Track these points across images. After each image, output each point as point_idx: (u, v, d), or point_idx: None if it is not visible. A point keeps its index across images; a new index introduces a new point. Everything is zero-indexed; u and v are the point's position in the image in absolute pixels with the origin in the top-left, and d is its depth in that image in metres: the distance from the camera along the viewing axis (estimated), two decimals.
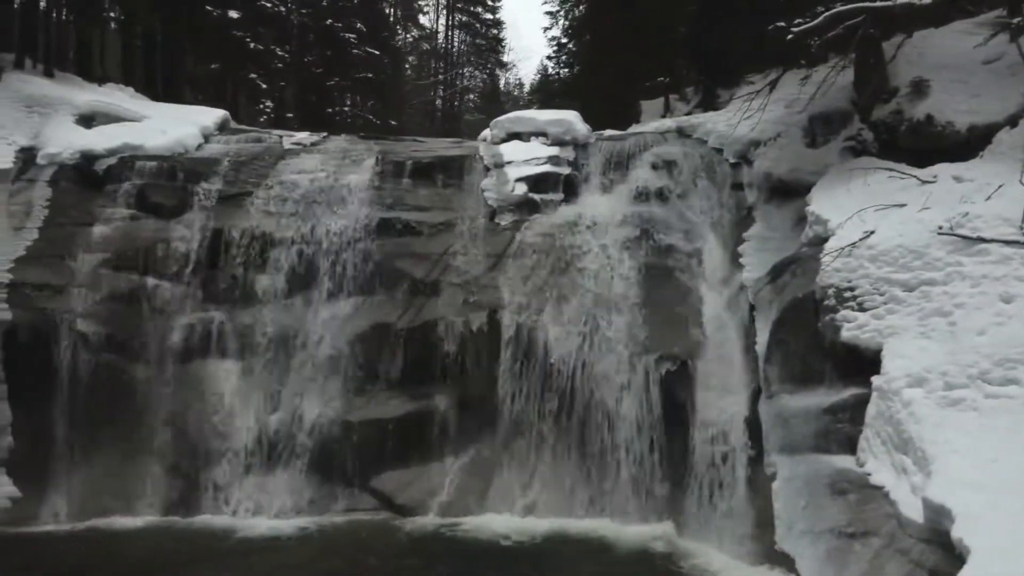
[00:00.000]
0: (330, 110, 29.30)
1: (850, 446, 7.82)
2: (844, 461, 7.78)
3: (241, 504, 9.87)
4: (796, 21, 10.16)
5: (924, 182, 9.27)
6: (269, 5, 22.84)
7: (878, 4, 9.74)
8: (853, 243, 8.58)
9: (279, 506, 9.87)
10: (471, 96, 50.92)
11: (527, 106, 60.06)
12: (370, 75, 30.70)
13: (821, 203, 10.02)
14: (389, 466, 10.31)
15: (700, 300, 10.86)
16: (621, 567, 8.35)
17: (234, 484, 10.02)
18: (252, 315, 11.29)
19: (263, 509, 9.84)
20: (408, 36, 46.00)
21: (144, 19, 20.51)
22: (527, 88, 60.75)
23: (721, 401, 9.58)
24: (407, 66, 37.83)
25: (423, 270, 11.77)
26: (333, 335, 11.08)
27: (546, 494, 9.99)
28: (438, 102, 47.20)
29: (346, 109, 29.53)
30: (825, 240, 9.45)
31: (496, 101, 51.04)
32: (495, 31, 49.41)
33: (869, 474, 7.28)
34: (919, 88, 10.67)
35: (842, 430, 8.04)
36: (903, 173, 9.55)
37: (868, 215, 8.90)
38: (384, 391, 10.80)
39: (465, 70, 49.80)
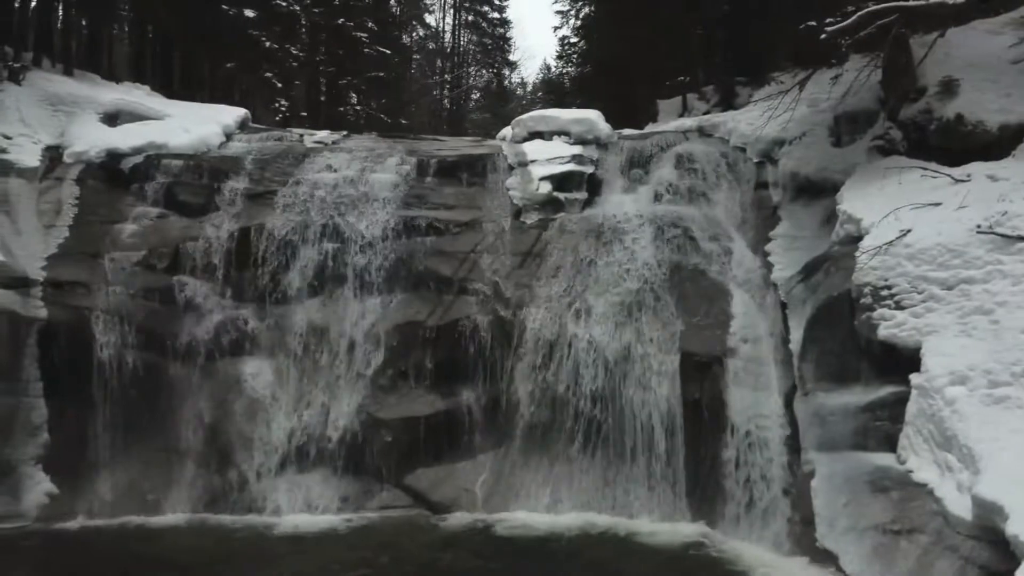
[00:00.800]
0: (341, 109, 29.33)
1: (889, 444, 7.86)
2: (884, 459, 7.81)
3: (276, 501, 9.90)
4: (828, 20, 10.16)
5: (958, 181, 9.29)
6: (284, 4, 22.81)
7: (911, 3, 9.76)
8: (889, 241, 8.60)
9: (314, 503, 9.91)
10: (475, 95, 50.90)
11: (530, 105, 60.29)
12: (381, 74, 30.73)
13: (853, 202, 10.04)
14: (421, 463, 10.34)
15: (730, 298, 10.87)
16: (659, 564, 8.37)
17: (268, 481, 10.06)
18: (281, 313, 11.32)
19: (298, 506, 9.87)
20: (414, 35, 45.97)
21: (161, 18, 20.52)
22: (530, 87, 61.11)
23: (755, 399, 9.61)
24: (412, 64, 37.78)
25: (450, 268, 11.80)
26: (363, 333, 11.11)
27: (577, 491, 10.02)
28: (445, 102, 47.20)
29: (358, 108, 29.53)
30: (858, 239, 9.48)
31: (503, 100, 51.10)
32: (501, 30, 49.45)
33: (911, 471, 7.32)
34: (949, 87, 10.69)
35: (881, 428, 8.08)
36: (936, 172, 9.57)
37: (903, 214, 8.92)
38: (414, 389, 10.83)
39: (471, 69, 49.80)
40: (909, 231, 8.63)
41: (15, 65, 14.03)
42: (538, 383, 10.73)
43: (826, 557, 7.72)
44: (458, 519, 9.63)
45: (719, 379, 9.97)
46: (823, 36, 9.53)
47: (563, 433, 10.42)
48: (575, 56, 34.35)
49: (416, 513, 9.81)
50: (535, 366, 10.81)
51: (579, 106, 31.20)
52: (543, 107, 60.11)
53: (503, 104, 51.54)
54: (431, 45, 49.32)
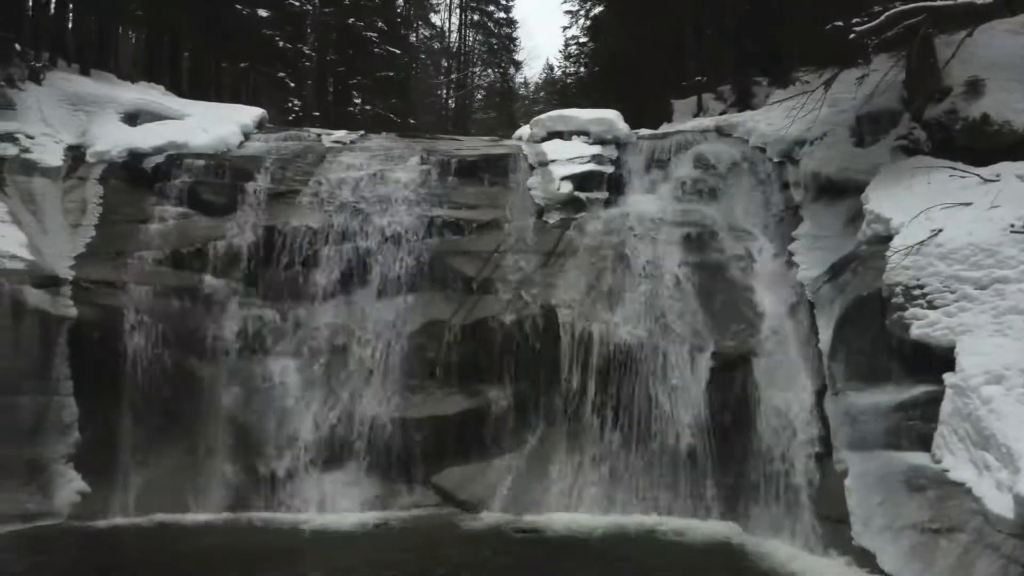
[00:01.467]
0: (351, 108, 29.36)
1: (922, 443, 7.88)
2: (918, 458, 7.83)
3: (305, 500, 9.94)
4: (854, 20, 10.19)
5: (987, 181, 9.31)
6: (297, 4, 22.84)
7: (939, 3, 9.78)
8: (921, 241, 8.63)
9: (343, 502, 9.94)
10: (480, 94, 50.93)
11: (533, 104, 60.35)
12: (390, 74, 30.77)
13: (880, 202, 10.06)
14: (449, 462, 10.37)
15: (755, 297, 10.92)
16: (692, 562, 8.40)
17: (297, 480, 10.09)
18: (306, 312, 11.35)
19: (327, 505, 9.91)
20: (419, 35, 45.98)
21: (174, 17, 20.55)
22: (532, 87, 61.16)
23: (784, 398, 9.64)
24: (414, 64, 37.73)
25: (474, 268, 11.83)
26: (388, 332, 11.13)
27: (605, 490, 10.05)
28: (450, 102, 47.23)
29: (367, 108, 29.55)
30: (886, 239, 9.51)
31: (508, 100, 51.16)
32: (508, 30, 49.49)
33: (947, 471, 7.33)
34: (975, 87, 10.71)
35: (914, 427, 8.10)
36: (965, 172, 9.60)
37: (934, 213, 8.94)
38: (441, 388, 10.85)
39: (476, 69, 49.83)
40: (940, 231, 8.65)
41: (36, 64, 14.03)
42: (564, 382, 10.76)
43: (861, 555, 7.76)
44: (487, 518, 9.65)
45: (747, 378, 10.02)
46: (852, 36, 9.55)
47: (590, 432, 10.46)
48: (583, 56, 34.40)
49: (446, 512, 9.83)
50: (560, 365, 10.83)
51: (588, 106, 31.40)
52: (546, 107, 60.38)
53: (508, 104, 51.66)
54: (436, 45, 49.37)
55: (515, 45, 50.16)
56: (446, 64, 48.91)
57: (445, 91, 47.89)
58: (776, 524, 8.94)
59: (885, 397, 8.52)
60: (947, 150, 10.84)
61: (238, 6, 20.98)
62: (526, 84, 57.70)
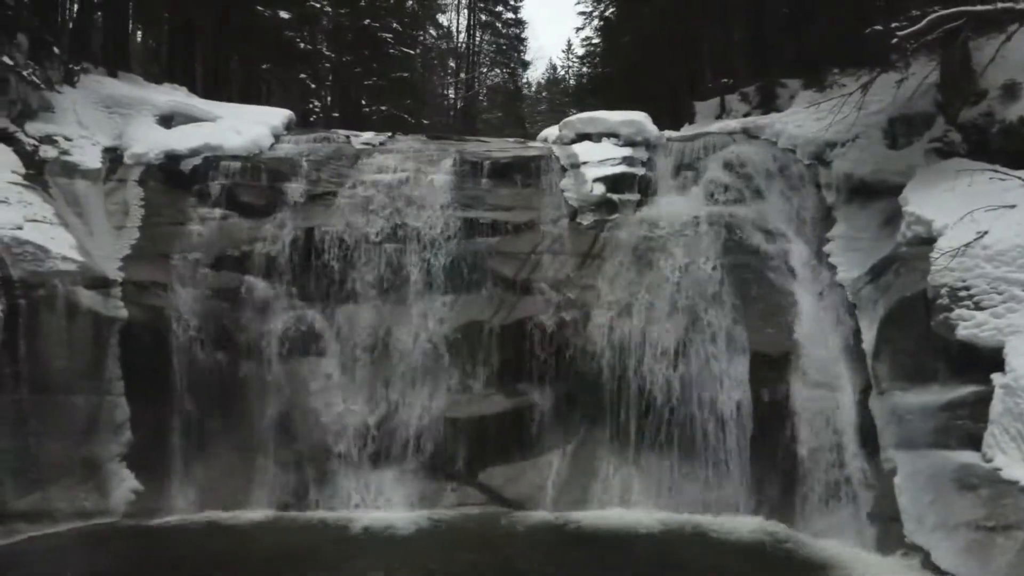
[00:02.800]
0: (367, 109, 29.48)
1: (971, 442, 8.01)
2: (967, 456, 7.96)
3: (352, 499, 10.07)
4: (893, 24, 10.31)
5: None
6: (318, 6, 22.96)
7: (979, 8, 9.90)
8: (967, 243, 8.75)
9: (390, 500, 10.08)
10: (484, 92, 50.98)
11: (536, 104, 60.46)
12: (405, 74, 30.89)
13: (920, 204, 10.17)
14: (492, 461, 10.50)
15: (793, 299, 11.02)
16: (741, 560, 8.51)
17: (344, 479, 10.21)
18: (347, 313, 11.47)
19: (375, 504, 10.04)
20: (428, 35, 46.04)
21: (197, 19, 20.67)
22: (534, 87, 61.28)
23: (828, 397, 9.75)
24: (424, 65, 37.76)
25: (512, 269, 11.95)
26: (429, 333, 11.26)
27: (648, 488, 10.18)
28: (458, 102, 47.33)
29: (382, 109, 29.66)
30: (928, 240, 9.64)
31: (516, 100, 51.30)
32: (516, 30, 49.58)
33: (999, 469, 7.47)
34: (1011, 90, 10.84)
35: (962, 426, 8.22)
36: (1005, 174, 9.71)
37: (978, 215, 9.06)
38: (482, 388, 10.98)
39: (484, 69, 49.92)
40: (986, 232, 8.77)
41: (72, 67, 14.14)
42: (604, 381, 10.88)
43: (915, 552, 7.88)
44: (533, 517, 9.78)
45: (789, 377, 10.12)
46: (894, 40, 9.67)
47: (631, 431, 10.58)
48: (596, 57, 34.50)
49: (492, 511, 9.95)
50: (600, 365, 10.95)
51: (600, 106, 31.56)
52: (549, 107, 60.26)
53: (515, 104, 51.79)
54: (444, 44, 49.46)
55: (523, 45, 50.36)
56: (454, 64, 49.01)
57: (453, 91, 47.99)
58: (826, 522, 9.05)
59: (932, 397, 8.64)
60: (983, 153, 10.97)
61: (259, 8, 21.08)
62: (528, 84, 57.91)
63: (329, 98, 27.05)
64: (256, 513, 9.74)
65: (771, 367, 10.26)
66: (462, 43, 48.13)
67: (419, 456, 10.44)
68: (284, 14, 21.47)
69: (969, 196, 9.61)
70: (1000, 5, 9.98)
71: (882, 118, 12.61)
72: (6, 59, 12.36)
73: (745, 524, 9.48)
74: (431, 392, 10.87)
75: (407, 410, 10.70)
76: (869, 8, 11.24)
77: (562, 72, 62.78)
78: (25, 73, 12.64)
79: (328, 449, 10.39)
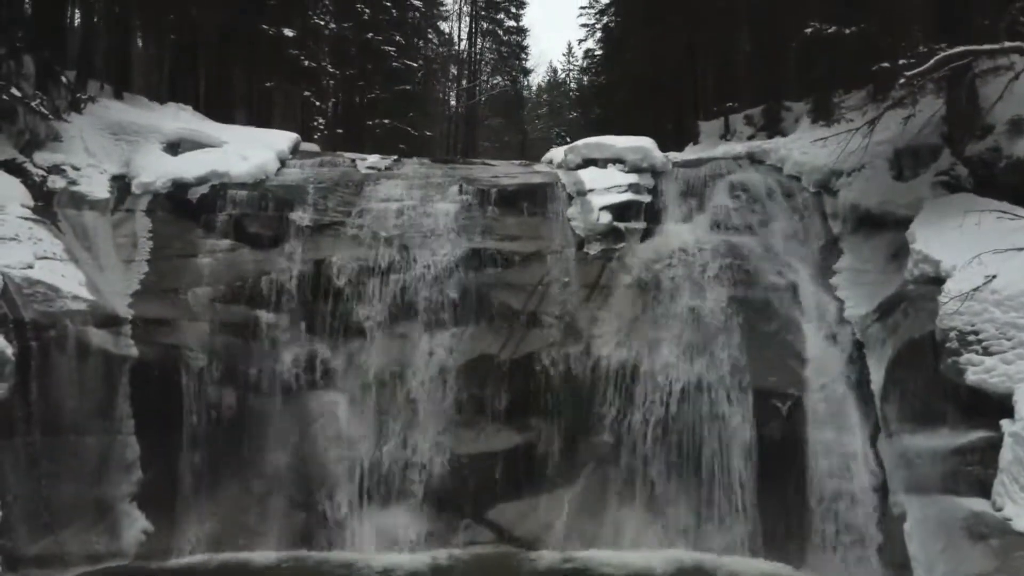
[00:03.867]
0: (370, 122, 29.51)
1: (981, 488, 8.04)
2: (977, 504, 7.98)
3: (362, 538, 10.10)
4: (901, 62, 10.34)
5: None
6: (321, 23, 22.99)
7: (985, 47, 9.93)
8: (976, 287, 8.78)
9: (400, 539, 10.11)
10: (485, 101, 51.01)
11: (536, 107, 60.56)
12: (408, 87, 30.92)
13: (928, 241, 10.20)
14: (502, 498, 10.54)
15: (801, 334, 11.05)
16: None
17: (353, 517, 10.25)
18: (355, 347, 11.49)
19: (384, 543, 10.07)
20: (429, 40, 46.02)
21: (201, 37, 20.70)
22: (535, 90, 61.32)
23: (835, 438, 9.80)
24: (421, 75, 37.65)
25: (520, 301, 11.97)
26: (437, 367, 11.28)
27: (658, 528, 10.22)
28: (460, 109, 47.34)
29: (385, 122, 29.70)
30: (935, 279, 9.68)
31: (518, 107, 51.38)
32: (518, 38, 49.62)
33: (1010, 519, 7.49)
34: (1018, 126, 10.89)
35: (972, 472, 8.26)
36: (1015, 215, 9.74)
37: (987, 258, 9.07)
38: (491, 423, 11.01)
39: (485, 76, 49.93)
40: (995, 276, 8.80)
41: (79, 96, 14.16)
42: (612, 418, 10.92)
43: None
44: (545, 556, 9.83)
45: (798, 417, 10.16)
46: (902, 81, 9.70)
47: (640, 468, 10.61)
48: (598, 66, 34.54)
49: (503, 551, 10.00)
50: (609, 401, 10.99)
51: (603, 114, 31.71)
52: (550, 110, 60.19)
53: (517, 111, 51.85)
54: (445, 51, 49.47)
55: (525, 53, 50.42)
56: (455, 71, 49.03)
57: (455, 99, 48.01)
58: (834, 566, 9.12)
59: (941, 441, 8.68)
60: (990, 187, 11.03)
61: (264, 26, 21.10)
62: (529, 87, 57.96)
63: (331, 112, 27.05)
64: (267, 554, 9.79)
65: (778, 406, 10.30)
66: (463, 50, 48.16)
67: (428, 494, 10.47)
68: (288, 31, 21.46)
69: (977, 236, 9.63)
70: (1007, 44, 10.01)
71: (888, 148, 12.64)
72: (14, 91, 12.37)
73: (752, 566, 9.53)
74: (440, 428, 10.89)
75: (416, 447, 10.73)
76: (876, 44, 11.24)
77: (563, 75, 63.02)
78: (33, 104, 12.66)
79: (338, 486, 10.42)
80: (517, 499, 10.54)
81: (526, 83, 54.93)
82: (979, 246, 9.37)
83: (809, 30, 11.74)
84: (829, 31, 11.21)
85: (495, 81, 49.95)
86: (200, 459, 10.29)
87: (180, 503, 9.99)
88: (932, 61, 9.89)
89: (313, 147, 21.93)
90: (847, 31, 10.92)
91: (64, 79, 13.93)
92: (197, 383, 10.52)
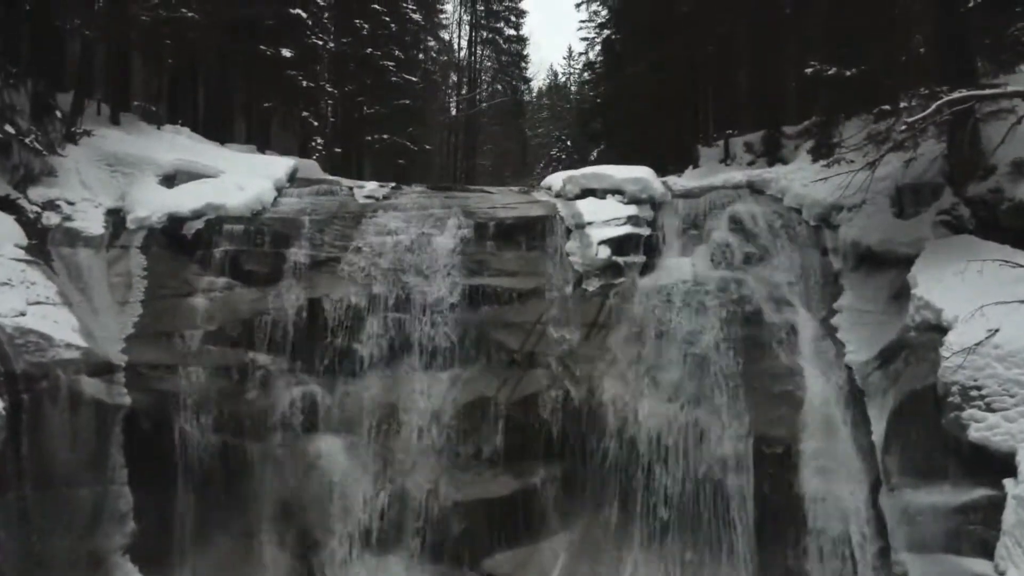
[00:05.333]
0: (369, 138, 29.43)
1: (984, 549, 7.96)
2: (980, 565, 7.92)
3: None
4: (902, 105, 10.24)
5: None
6: (320, 43, 22.88)
7: (987, 92, 9.84)
8: (978, 342, 8.67)
9: None
10: (485, 109, 50.93)
11: (537, 111, 60.42)
12: (407, 101, 30.82)
13: (929, 287, 10.09)
14: (500, 546, 10.43)
15: (801, 378, 10.92)
16: None
17: (350, 566, 10.15)
18: (352, 388, 11.40)
19: None
20: (428, 47, 45.89)
21: (202, 59, 20.65)
22: (535, 93, 61.25)
23: (835, 490, 9.69)
24: (420, 88, 37.42)
25: (518, 340, 11.87)
26: (434, 409, 11.18)
27: (656, 574, 10.09)
28: (460, 120, 47.26)
29: (384, 137, 29.61)
30: (936, 327, 9.59)
31: (519, 117, 51.30)
32: (518, 47, 49.56)
33: None
34: (1020, 168, 10.79)
35: (975, 532, 8.18)
36: (1016, 263, 9.61)
37: (989, 310, 8.95)
38: (489, 468, 10.90)
39: (486, 84, 49.85)
40: (997, 331, 8.70)
41: (75, 131, 14.05)
42: (609, 462, 10.81)
43: None
44: None
45: (796, 464, 10.04)
46: (903, 128, 9.61)
47: (638, 514, 10.50)
48: (595, 80, 34.40)
49: None
50: (608, 444, 10.89)
51: (600, 132, 31.62)
52: (550, 113, 60.07)
53: (517, 120, 51.77)
54: (445, 57, 49.39)
55: (525, 62, 50.38)
56: (455, 77, 48.94)
57: (455, 108, 47.91)
58: None
59: (943, 497, 8.59)
60: (992, 229, 10.93)
61: (262, 47, 21.01)
62: (530, 91, 57.85)
63: (330, 130, 26.96)
64: None
65: (778, 453, 10.19)
66: (463, 58, 48.08)
67: (425, 542, 10.36)
68: (286, 52, 21.36)
69: (979, 286, 9.49)
70: (1010, 89, 9.93)
71: (889, 184, 12.51)
72: (8, 128, 12.27)
73: None
74: (437, 473, 10.79)
75: (412, 492, 10.61)
76: (877, 85, 11.15)
77: (563, 79, 62.90)
78: (27, 140, 12.55)
79: (331, 534, 10.32)
80: (515, 545, 10.43)
81: (526, 90, 54.86)
82: (981, 294, 9.25)
83: (810, 70, 11.61)
84: (830, 72, 11.11)
85: (496, 88, 49.89)
86: (194, 507, 10.19)
87: (174, 553, 9.89)
88: (934, 106, 9.79)
89: (312, 165, 21.88)
90: (848, 73, 10.82)
91: (59, 113, 13.78)
92: (191, 430, 10.41)
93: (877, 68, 10.93)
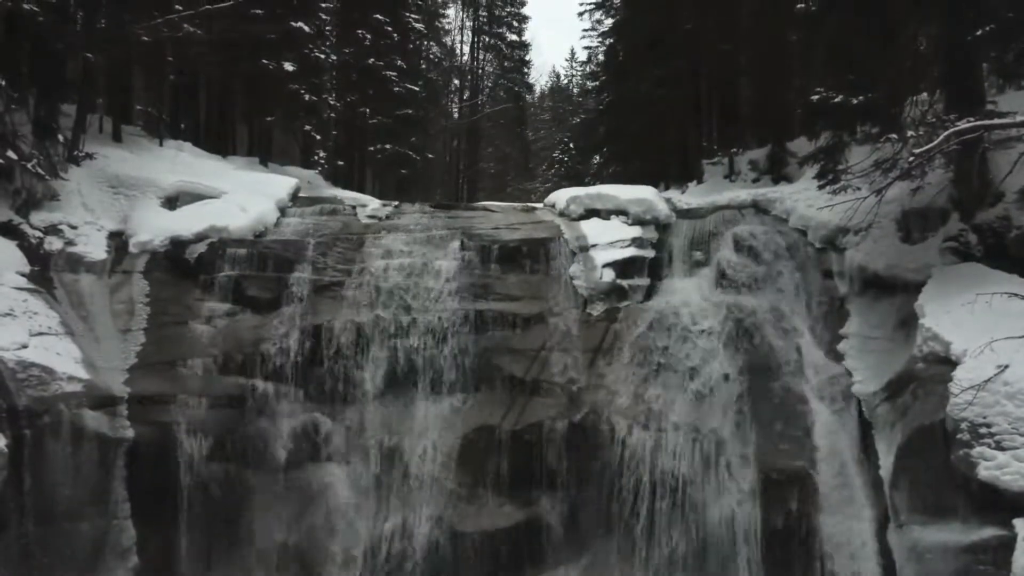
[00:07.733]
0: (372, 148, 29.34)
1: None
2: None
3: None
4: (909, 135, 10.16)
5: None
6: (323, 56, 22.82)
7: (996, 122, 9.76)
8: (988, 379, 8.59)
9: None
10: (488, 115, 50.87)
11: (539, 113, 60.33)
12: (410, 111, 30.73)
13: (938, 319, 10.00)
14: None
15: (807, 409, 10.84)
16: None
17: None
18: (355, 416, 11.36)
19: None
20: (430, 51, 45.85)
21: (204, 73, 20.61)
22: (537, 95, 61.13)
23: (843, 525, 9.63)
24: (423, 97, 37.46)
25: (521, 367, 11.80)
26: (438, 438, 11.13)
27: None
28: (462, 127, 47.21)
29: (387, 147, 29.52)
30: (945, 360, 9.51)
31: (522, 124, 51.23)
32: (520, 53, 49.48)
33: None
34: None
35: (984, 572, 8.13)
36: None
37: (999, 345, 8.88)
38: (493, 498, 10.85)
39: (488, 90, 49.81)
40: (1007, 367, 8.62)
41: (77, 154, 14.00)
42: (614, 491, 10.74)
43: None
44: None
45: (803, 497, 9.97)
46: (911, 159, 9.53)
47: (644, 544, 10.44)
48: (598, 89, 34.34)
49: None
50: (613, 472, 10.82)
51: (606, 136, 31.55)
52: (552, 115, 59.98)
53: (519, 127, 51.74)
54: (447, 62, 49.35)
55: (527, 68, 50.29)
56: (457, 82, 48.88)
57: (457, 113, 47.85)
58: None
59: (952, 536, 8.51)
60: (1000, 257, 10.85)
61: (264, 61, 20.94)
62: (532, 93, 57.77)
63: (332, 142, 26.91)
64: None
65: (784, 486, 10.12)
66: (465, 64, 48.04)
67: (429, 573, 10.28)
68: (289, 66, 21.29)
69: (988, 318, 9.38)
70: (1018, 118, 9.84)
71: (896, 208, 12.40)
72: (10, 153, 12.22)
73: None
74: (441, 503, 10.74)
75: (417, 522, 10.56)
76: (884, 113, 11.05)
77: (565, 81, 62.77)
78: (30, 165, 12.50)
79: (335, 566, 10.25)
80: None
81: (529, 97, 54.76)
82: (990, 328, 9.17)
83: (815, 97, 11.53)
84: (836, 99, 11.04)
85: (499, 95, 49.83)
86: (197, 538, 10.15)
87: None
88: (942, 136, 9.71)
89: (314, 176, 21.86)
90: (854, 101, 10.75)
91: (61, 137, 13.71)
92: (193, 460, 10.37)
93: (883, 96, 10.83)
